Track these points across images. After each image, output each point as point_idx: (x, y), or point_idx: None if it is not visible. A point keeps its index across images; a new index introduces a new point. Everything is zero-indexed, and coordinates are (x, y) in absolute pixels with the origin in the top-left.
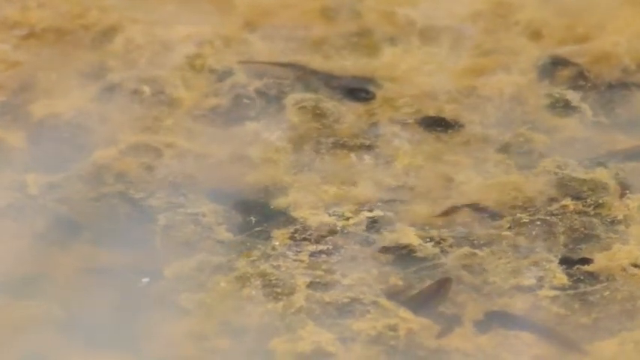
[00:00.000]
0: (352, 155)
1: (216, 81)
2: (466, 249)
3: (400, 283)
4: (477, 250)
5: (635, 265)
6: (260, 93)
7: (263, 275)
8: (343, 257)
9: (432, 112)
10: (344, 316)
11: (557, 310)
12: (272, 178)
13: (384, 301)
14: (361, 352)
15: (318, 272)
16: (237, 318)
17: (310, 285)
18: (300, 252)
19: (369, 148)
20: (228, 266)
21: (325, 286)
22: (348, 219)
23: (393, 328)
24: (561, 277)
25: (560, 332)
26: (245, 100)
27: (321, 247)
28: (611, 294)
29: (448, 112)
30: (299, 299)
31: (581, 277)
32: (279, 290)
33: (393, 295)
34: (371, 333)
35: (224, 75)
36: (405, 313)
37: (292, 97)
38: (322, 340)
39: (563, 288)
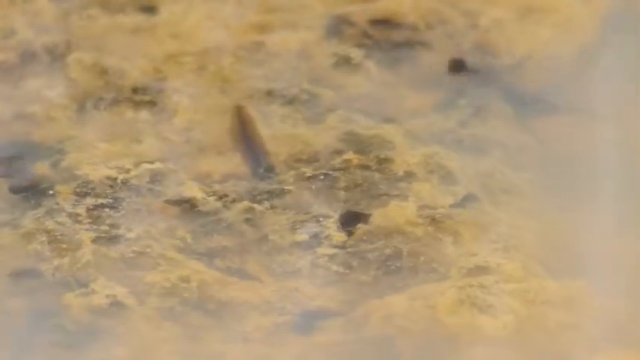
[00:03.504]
0: (135, 111)
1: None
2: (247, 203)
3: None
4: (257, 205)
5: (414, 223)
6: (44, 50)
7: (48, 232)
8: (127, 211)
9: (212, 68)
10: (135, 269)
11: (337, 268)
12: (55, 135)
13: (173, 253)
14: (156, 305)
15: (103, 227)
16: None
17: (96, 240)
18: (81, 206)
19: (151, 103)
20: (13, 224)
21: (112, 240)
22: (128, 171)
23: (186, 280)
24: (340, 234)
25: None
26: (29, 57)
27: (103, 200)
28: (391, 251)
29: (231, 67)
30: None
31: (361, 235)
32: (64, 246)
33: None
34: (165, 285)
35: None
36: (196, 264)
37: (74, 55)
38: (117, 294)
39: (342, 246)
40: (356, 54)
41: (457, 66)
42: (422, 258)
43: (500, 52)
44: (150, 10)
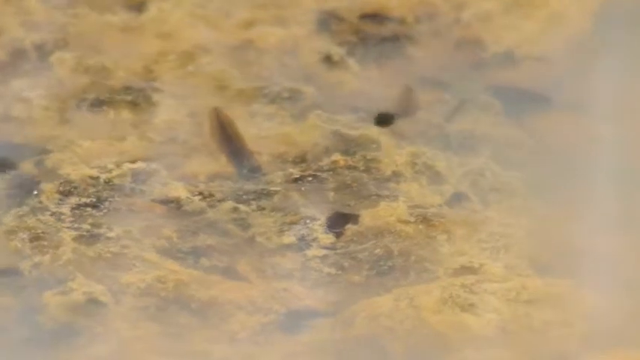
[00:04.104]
0: (121, 111)
1: None
2: (232, 203)
3: (173, 235)
4: (243, 206)
5: (404, 221)
6: (33, 48)
7: (30, 229)
8: (110, 210)
9: (199, 67)
10: (114, 269)
11: (329, 270)
12: (38, 136)
13: (151, 254)
14: (133, 305)
15: (85, 226)
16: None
17: (77, 238)
18: (64, 205)
19: (137, 103)
20: None
21: (92, 238)
22: (110, 171)
23: (162, 280)
24: (328, 236)
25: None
26: (18, 55)
27: (85, 199)
28: (381, 251)
29: (217, 65)
30: (66, 252)
31: (350, 235)
32: (45, 244)
33: (165, 247)
34: (140, 285)
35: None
36: (172, 265)
37: (59, 54)
38: (95, 291)
39: (333, 247)
40: (344, 50)
41: (382, 120)
42: (412, 258)
43: (488, 45)
44: (138, 8)
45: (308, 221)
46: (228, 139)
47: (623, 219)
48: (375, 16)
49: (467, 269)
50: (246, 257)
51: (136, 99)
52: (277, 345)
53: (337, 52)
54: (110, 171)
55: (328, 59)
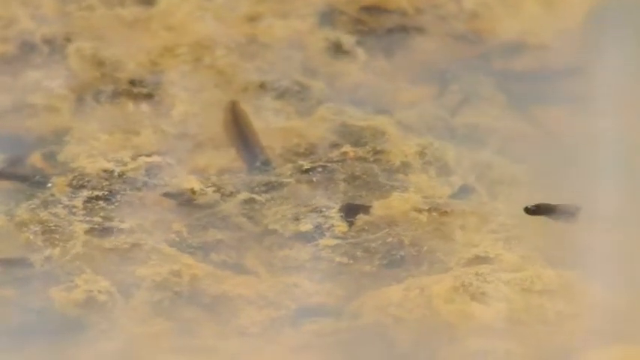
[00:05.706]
0: (132, 104)
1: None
2: (246, 194)
3: (183, 229)
4: (256, 196)
5: (417, 210)
6: (45, 41)
7: (41, 222)
8: (122, 203)
9: (207, 61)
10: (126, 263)
11: (340, 259)
12: (53, 127)
13: (166, 247)
14: (145, 299)
15: (97, 219)
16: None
17: (89, 231)
18: (76, 198)
19: (149, 96)
20: (7, 213)
21: (104, 232)
22: (126, 164)
23: (177, 274)
24: (342, 225)
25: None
26: (29, 48)
27: (98, 192)
28: (393, 240)
29: (224, 59)
30: (76, 246)
31: (362, 225)
32: (57, 237)
33: (175, 241)
34: (155, 279)
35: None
36: (187, 259)
37: (72, 47)
38: (106, 286)
39: (344, 237)
40: (352, 41)
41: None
42: (424, 248)
43: (491, 35)
44: (147, 1)
45: (324, 209)
46: (242, 132)
47: (629, 212)
48: (376, 9)
49: (476, 259)
50: (256, 250)
51: (144, 91)
52: (287, 336)
53: (345, 43)
54: (126, 164)
55: (336, 51)
